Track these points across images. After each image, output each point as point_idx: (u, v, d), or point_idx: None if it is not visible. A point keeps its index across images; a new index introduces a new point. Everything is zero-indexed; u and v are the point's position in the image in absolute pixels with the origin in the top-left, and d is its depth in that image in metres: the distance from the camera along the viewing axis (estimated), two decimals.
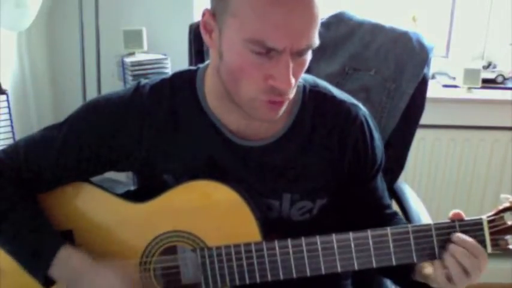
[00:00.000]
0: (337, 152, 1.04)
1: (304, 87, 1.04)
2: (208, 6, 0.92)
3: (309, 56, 0.90)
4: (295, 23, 0.84)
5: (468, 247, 0.91)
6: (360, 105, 1.08)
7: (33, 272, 0.98)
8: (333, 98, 1.05)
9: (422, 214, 1.35)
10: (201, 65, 1.05)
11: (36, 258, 0.98)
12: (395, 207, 1.47)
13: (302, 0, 0.84)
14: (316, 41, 0.87)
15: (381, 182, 1.13)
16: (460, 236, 0.92)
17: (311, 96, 1.04)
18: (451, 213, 0.95)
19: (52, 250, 0.97)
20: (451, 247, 0.92)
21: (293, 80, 0.88)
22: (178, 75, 1.05)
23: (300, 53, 0.87)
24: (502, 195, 0.96)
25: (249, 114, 0.94)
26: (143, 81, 1.05)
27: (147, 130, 1.01)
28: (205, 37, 0.93)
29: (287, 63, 0.86)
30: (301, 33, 0.85)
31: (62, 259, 0.96)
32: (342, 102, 1.05)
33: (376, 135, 1.09)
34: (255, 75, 0.87)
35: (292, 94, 0.92)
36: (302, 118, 1.03)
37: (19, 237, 1.00)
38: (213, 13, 0.90)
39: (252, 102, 0.91)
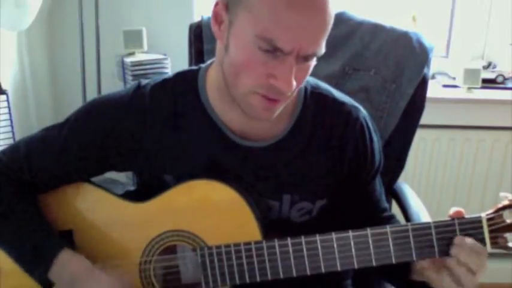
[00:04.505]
0: (337, 153, 1.04)
1: (306, 88, 1.04)
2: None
3: (313, 62, 0.90)
4: (307, 29, 0.84)
5: (470, 247, 0.91)
6: (361, 107, 1.08)
7: (33, 274, 0.98)
8: (334, 100, 1.06)
9: (422, 214, 1.35)
10: (202, 65, 1.05)
11: (35, 262, 0.98)
12: (395, 207, 1.48)
13: (317, 8, 0.84)
14: (322, 50, 0.88)
15: (379, 185, 1.13)
16: (460, 238, 0.92)
17: (312, 98, 1.04)
18: (451, 211, 0.95)
19: (51, 254, 0.97)
20: (454, 251, 0.91)
21: (294, 83, 0.88)
22: (179, 75, 1.05)
23: (306, 58, 0.88)
24: (501, 193, 0.96)
25: (245, 111, 0.94)
26: (143, 81, 1.05)
27: (148, 130, 1.01)
28: (214, 28, 0.93)
29: (291, 66, 0.86)
30: (310, 40, 0.85)
31: (60, 263, 0.96)
32: (342, 104, 1.06)
33: (376, 138, 1.09)
34: (257, 71, 0.88)
35: (290, 96, 0.93)
36: (303, 120, 1.03)
37: (19, 239, 1.00)
38: (226, 4, 0.89)
39: (248, 97, 0.91)
